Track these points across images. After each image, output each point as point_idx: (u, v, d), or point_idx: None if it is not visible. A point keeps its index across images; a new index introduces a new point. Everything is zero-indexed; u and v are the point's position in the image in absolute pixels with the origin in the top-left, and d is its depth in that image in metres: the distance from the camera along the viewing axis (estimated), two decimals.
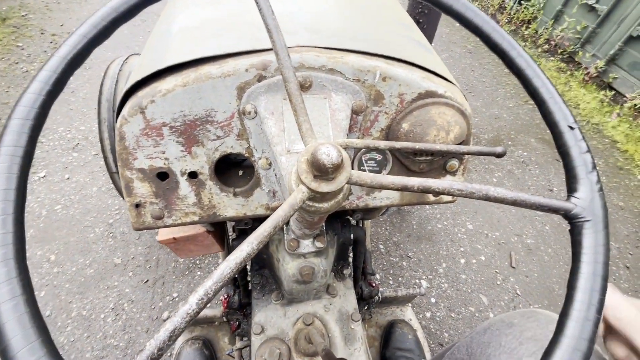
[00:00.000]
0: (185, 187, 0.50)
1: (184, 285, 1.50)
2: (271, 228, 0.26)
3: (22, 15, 2.83)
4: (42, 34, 2.71)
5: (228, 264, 0.24)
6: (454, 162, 0.55)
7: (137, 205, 0.50)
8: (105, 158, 1.03)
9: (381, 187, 0.30)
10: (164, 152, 0.47)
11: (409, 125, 0.48)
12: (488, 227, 1.86)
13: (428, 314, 1.50)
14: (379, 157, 0.54)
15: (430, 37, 1.44)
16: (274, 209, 0.55)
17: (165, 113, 0.44)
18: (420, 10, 1.43)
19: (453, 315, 1.51)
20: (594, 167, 0.31)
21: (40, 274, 1.48)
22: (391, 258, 1.68)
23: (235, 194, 0.52)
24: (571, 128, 0.32)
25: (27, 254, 1.52)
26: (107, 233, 1.65)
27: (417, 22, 1.48)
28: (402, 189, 0.30)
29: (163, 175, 0.49)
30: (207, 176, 0.50)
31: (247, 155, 0.49)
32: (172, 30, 0.53)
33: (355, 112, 0.48)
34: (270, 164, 0.50)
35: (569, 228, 0.31)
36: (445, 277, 1.64)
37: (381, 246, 1.71)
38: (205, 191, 0.51)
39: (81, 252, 1.57)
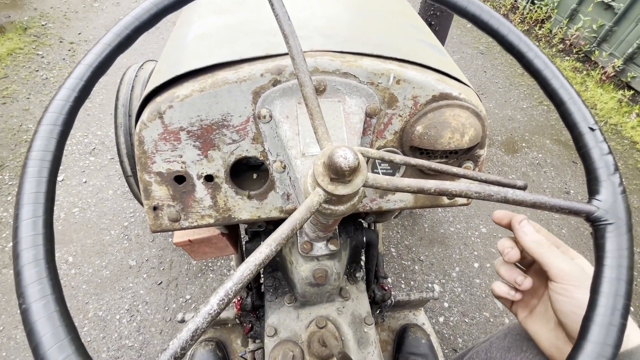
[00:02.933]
0: (201, 190, 0.51)
1: (196, 288, 1.52)
2: (289, 230, 0.26)
3: (42, 25, 2.94)
4: (60, 42, 2.80)
5: (247, 266, 0.24)
6: (469, 165, 0.54)
7: (155, 208, 0.51)
8: (121, 162, 1.06)
9: (397, 190, 0.30)
10: (181, 156, 0.48)
11: (423, 128, 0.48)
12: (503, 230, 1.82)
13: (441, 319, 1.48)
14: None
15: (442, 39, 1.43)
16: (288, 212, 0.55)
17: (182, 118, 0.45)
18: (432, 12, 1.43)
19: (467, 320, 1.49)
20: (616, 169, 0.31)
21: (59, 275, 1.52)
22: (403, 262, 1.66)
23: (250, 197, 0.53)
24: (591, 129, 0.31)
25: None
26: (122, 235, 1.68)
27: (429, 25, 1.47)
28: (419, 191, 0.30)
29: (180, 179, 0.50)
30: (222, 179, 0.51)
31: (261, 158, 0.50)
32: (189, 37, 0.54)
33: (369, 115, 0.48)
34: (284, 167, 0.50)
35: (590, 231, 0.30)
36: (459, 281, 1.61)
37: (393, 249, 1.70)
38: (220, 194, 0.52)
39: (97, 254, 1.61)
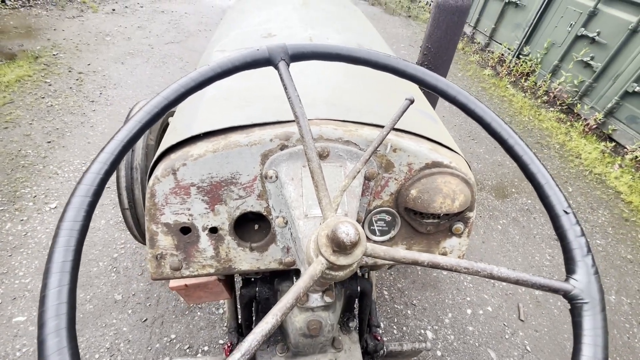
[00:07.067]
0: (205, 241, 0.53)
1: (182, 326, 1.47)
2: (293, 299, 0.28)
3: (53, 55, 3.05)
4: (69, 71, 2.90)
5: (255, 337, 0.26)
6: (460, 226, 0.58)
7: (157, 257, 0.53)
8: (119, 195, 1.07)
9: (393, 261, 0.33)
10: (189, 209, 0.50)
11: (417, 192, 0.52)
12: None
13: None
14: (388, 218, 0.57)
15: (434, 99, 1.53)
16: (286, 264, 0.57)
17: (194, 175, 0.48)
18: None
19: None
20: (589, 250, 0.34)
21: None
22: (395, 305, 1.64)
23: (251, 249, 0.55)
24: (566, 212, 0.35)
25: (30, 286, 1.52)
26: (111, 267, 1.64)
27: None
28: (413, 263, 0.32)
29: (185, 230, 0.52)
30: (226, 232, 0.53)
31: (265, 213, 0.53)
32: (204, 96, 0.59)
33: (367, 179, 0.51)
34: (286, 223, 0.53)
35: (569, 307, 0.33)
36: (452, 328, 1.59)
37: (385, 292, 1.69)
38: (223, 245, 0.54)
39: (82, 287, 1.56)
